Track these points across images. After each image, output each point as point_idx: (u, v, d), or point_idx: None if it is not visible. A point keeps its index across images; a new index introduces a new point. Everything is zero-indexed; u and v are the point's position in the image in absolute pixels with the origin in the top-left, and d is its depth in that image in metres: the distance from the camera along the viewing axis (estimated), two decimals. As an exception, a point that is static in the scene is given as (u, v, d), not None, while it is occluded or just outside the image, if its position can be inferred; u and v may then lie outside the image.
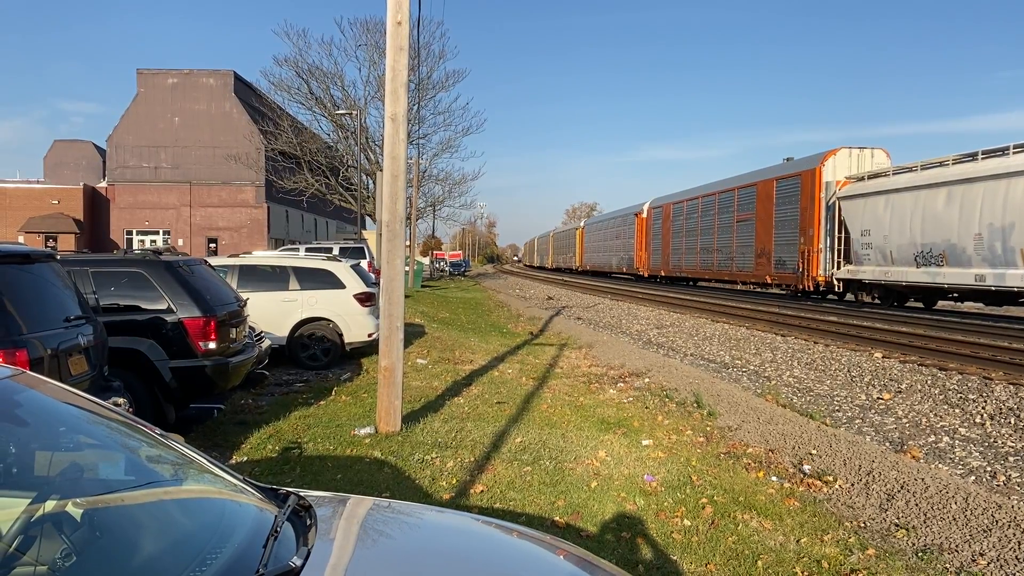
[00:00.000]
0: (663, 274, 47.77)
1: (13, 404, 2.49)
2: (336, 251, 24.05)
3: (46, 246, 39.23)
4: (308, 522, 2.50)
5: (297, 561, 2.18)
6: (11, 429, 2.45)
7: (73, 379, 5.74)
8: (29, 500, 2.31)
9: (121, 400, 7.13)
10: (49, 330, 5.67)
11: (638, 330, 21.09)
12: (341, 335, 13.41)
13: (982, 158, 21.21)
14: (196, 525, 2.42)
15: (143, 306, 8.46)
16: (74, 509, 2.36)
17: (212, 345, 8.43)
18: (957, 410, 9.96)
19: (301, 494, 2.76)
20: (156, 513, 2.49)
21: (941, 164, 23.02)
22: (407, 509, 3.07)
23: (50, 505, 2.32)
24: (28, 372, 2.74)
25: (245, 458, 7.11)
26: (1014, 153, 19.99)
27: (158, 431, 2.81)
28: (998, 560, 4.97)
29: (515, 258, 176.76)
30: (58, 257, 6.93)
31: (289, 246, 33.35)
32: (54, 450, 2.54)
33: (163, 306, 8.45)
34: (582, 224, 77.97)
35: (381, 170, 6.56)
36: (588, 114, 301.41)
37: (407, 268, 30.52)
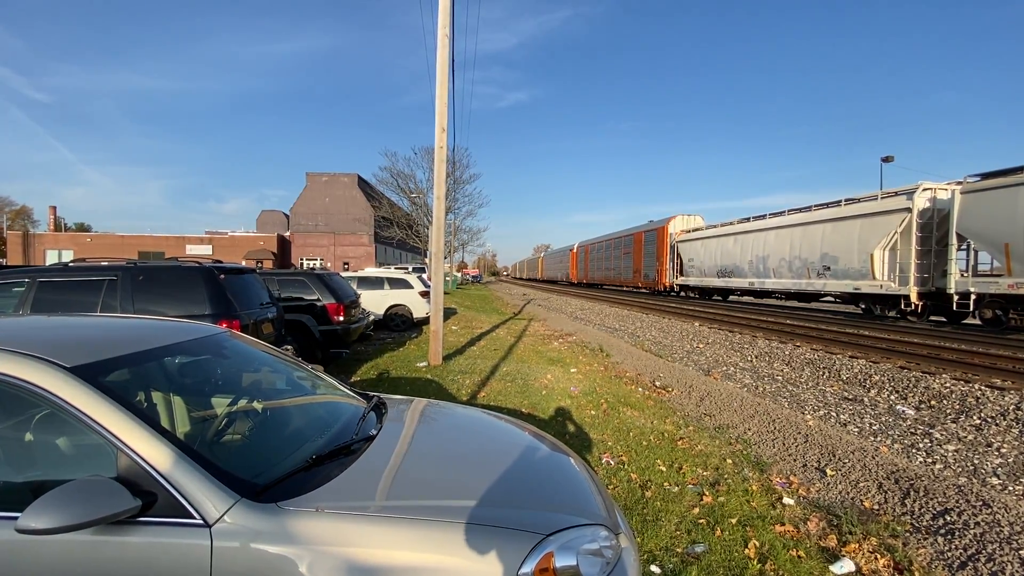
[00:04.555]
0: (585, 281, 47.69)
1: (224, 347, 2.44)
2: (410, 269, 23.91)
3: (256, 266, 38.63)
4: (383, 411, 2.46)
5: (374, 432, 2.14)
6: (222, 361, 2.40)
7: (264, 336, 5.67)
8: (231, 399, 2.26)
9: (289, 347, 7.06)
10: (251, 309, 5.60)
11: (570, 311, 21.00)
12: (411, 313, 13.31)
13: (752, 220, 21.26)
14: (323, 412, 2.37)
15: (304, 297, 8.37)
16: (257, 405, 2.32)
17: (341, 318, 8.35)
18: (738, 354, 10.00)
19: (382, 397, 2.72)
20: (302, 408, 2.44)
21: (731, 223, 23.05)
22: (443, 405, 3.01)
23: (243, 403, 2.28)
24: (235, 331, 2.67)
25: (358, 378, 7.04)
26: (769, 218, 20.12)
27: (309, 365, 2.76)
28: (758, 432, 4.98)
29: (505, 272, 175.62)
30: (258, 270, 6.85)
31: (385, 267, 33.09)
32: (247, 372, 2.50)
33: (315, 297, 8.36)
34: (542, 255, 77.70)
35: (432, 224, 6.48)
36: (551, 196, 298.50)
37: (447, 278, 30.35)
